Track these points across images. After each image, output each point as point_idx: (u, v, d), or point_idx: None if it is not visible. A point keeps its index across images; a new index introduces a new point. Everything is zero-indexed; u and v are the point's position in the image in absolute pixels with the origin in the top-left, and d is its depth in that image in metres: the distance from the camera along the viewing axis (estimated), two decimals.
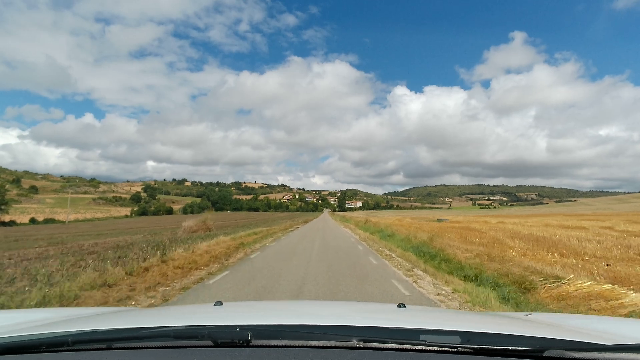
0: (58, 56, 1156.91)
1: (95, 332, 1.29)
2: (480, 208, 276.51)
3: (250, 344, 1.16)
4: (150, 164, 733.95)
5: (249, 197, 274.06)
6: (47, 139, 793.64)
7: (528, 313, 2.49)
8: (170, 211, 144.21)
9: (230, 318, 1.62)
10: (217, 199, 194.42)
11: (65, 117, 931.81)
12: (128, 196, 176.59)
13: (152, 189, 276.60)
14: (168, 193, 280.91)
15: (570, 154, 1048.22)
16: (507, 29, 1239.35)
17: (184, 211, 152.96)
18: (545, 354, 1.08)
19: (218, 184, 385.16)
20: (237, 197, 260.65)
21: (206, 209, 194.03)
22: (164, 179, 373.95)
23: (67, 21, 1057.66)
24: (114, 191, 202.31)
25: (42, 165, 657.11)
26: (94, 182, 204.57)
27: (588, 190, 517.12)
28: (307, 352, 1.13)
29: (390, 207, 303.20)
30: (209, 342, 1.18)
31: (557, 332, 1.37)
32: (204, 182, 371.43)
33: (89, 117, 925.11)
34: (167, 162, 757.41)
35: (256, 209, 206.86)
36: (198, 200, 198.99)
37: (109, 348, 1.19)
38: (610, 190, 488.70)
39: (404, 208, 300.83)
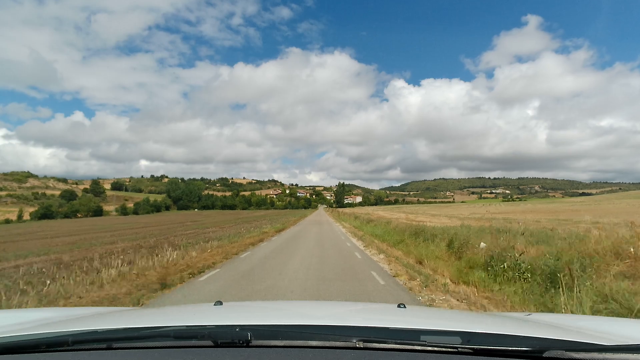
0: (45, 54, 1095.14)
1: (95, 332, 1.28)
2: (503, 201, 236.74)
3: (250, 344, 1.15)
4: (144, 163, 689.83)
5: (228, 193, 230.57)
6: (35, 138, 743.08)
7: (528, 313, 2.49)
8: (99, 212, 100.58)
9: (230, 318, 1.60)
10: (181, 195, 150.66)
11: (53, 116, 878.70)
12: (58, 193, 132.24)
13: (117, 184, 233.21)
14: (140, 190, 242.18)
15: (570, 146, 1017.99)
16: (520, 12, 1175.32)
17: (123, 212, 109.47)
18: (546, 354, 1.08)
19: (202, 179, 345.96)
20: (214, 192, 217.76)
21: (164, 207, 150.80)
22: (142, 176, 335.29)
23: (53, 15, 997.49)
24: (48, 187, 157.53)
25: (32, 166, 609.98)
26: (20, 175, 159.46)
27: (592, 181, 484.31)
28: (307, 352, 1.12)
29: (395, 202, 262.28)
30: (209, 342, 1.17)
31: (558, 333, 1.36)
32: (186, 179, 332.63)
33: (78, 116, 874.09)
34: (160, 160, 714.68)
35: (233, 207, 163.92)
36: (159, 197, 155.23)
37: (109, 348, 1.18)
38: (610, 182, 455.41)
39: (411, 202, 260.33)
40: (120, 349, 1.18)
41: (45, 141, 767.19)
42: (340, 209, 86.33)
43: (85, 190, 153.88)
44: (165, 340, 1.20)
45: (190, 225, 38.52)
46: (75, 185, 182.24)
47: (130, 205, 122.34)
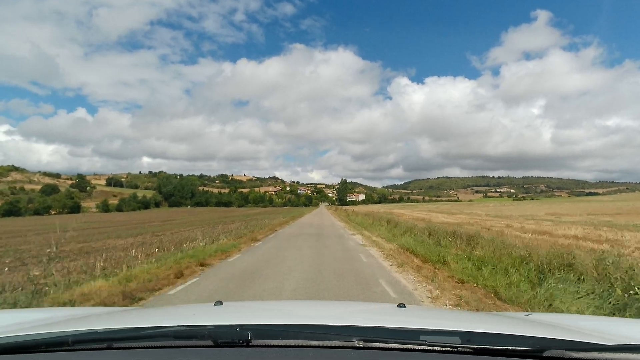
0: (46, 50, 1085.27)
1: (95, 332, 1.27)
2: (514, 199, 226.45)
3: (250, 343, 1.14)
4: (146, 159, 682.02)
5: (226, 190, 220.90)
6: (37, 134, 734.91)
7: (528, 313, 2.47)
8: (76, 209, 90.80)
9: (231, 318, 1.60)
10: (173, 190, 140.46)
11: (56, 112, 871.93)
12: (38, 187, 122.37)
13: (112, 180, 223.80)
14: (137, 187, 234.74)
15: (575, 145, 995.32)
16: (530, 6, 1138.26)
17: (105, 209, 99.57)
18: (546, 354, 1.07)
19: (201, 176, 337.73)
20: (213, 189, 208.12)
21: (153, 204, 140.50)
22: (139, 172, 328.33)
23: (54, 10, 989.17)
24: (31, 181, 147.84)
25: (35, 162, 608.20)
26: (2, 168, 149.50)
27: (598, 181, 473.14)
28: (307, 352, 1.12)
29: (400, 200, 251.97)
30: (209, 342, 1.17)
31: (557, 332, 1.35)
32: (184, 176, 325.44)
33: (80, 112, 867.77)
34: (162, 157, 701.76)
35: (228, 204, 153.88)
36: (149, 193, 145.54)
37: (109, 348, 1.18)
38: (616, 182, 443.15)
39: (416, 201, 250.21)
40: (120, 349, 1.17)
41: (48, 137, 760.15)
42: (346, 207, 75.93)
43: (72, 186, 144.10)
44: (165, 340, 1.20)
45: (150, 226, 28.68)
46: (68, 181, 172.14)
47: (115, 201, 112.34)
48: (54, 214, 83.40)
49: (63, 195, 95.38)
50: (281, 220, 32.24)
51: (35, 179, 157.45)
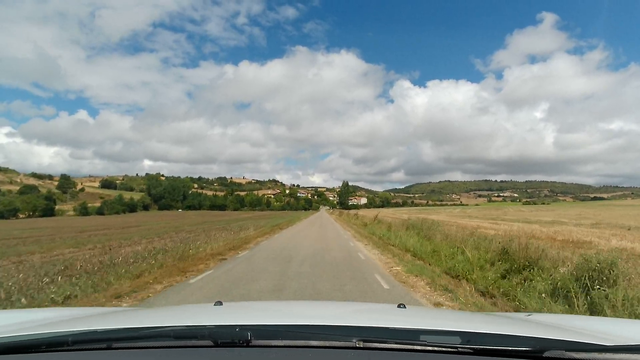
0: (49, 51, 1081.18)
1: (95, 332, 1.27)
2: (524, 204, 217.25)
3: (250, 344, 1.14)
4: (147, 162, 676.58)
5: (221, 193, 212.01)
6: (39, 136, 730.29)
7: (529, 313, 2.51)
8: (50, 211, 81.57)
9: (231, 318, 1.60)
10: (163, 192, 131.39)
11: (57, 114, 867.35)
12: (16, 188, 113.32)
13: (106, 182, 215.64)
14: (132, 189, 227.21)
15: (578, 149, 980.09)
16: (536, 9, 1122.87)
17: (83, 212, 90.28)
18: (546, 354, 1.07)
19: (200, 179, 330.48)
20: (212, 192, 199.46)
21: (141, 206, 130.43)
22: (137, 174, 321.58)
23: (57, 11, 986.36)
24: (13, 182, 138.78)
25: (35, 165, 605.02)
26: None
27: (601, 185, 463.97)
28: (307, 352, 1.12)
29: (404, 204, 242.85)
30: (209, 342, 1.16)
31: (558, 333, 1.35)
32: (183, 177, 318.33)
33: (82, 115, 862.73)
34: (163, 160, 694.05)
35: (223, 207, 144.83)
36: (137, 195, 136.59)
37: (109, 348, 1.18)
38: (620, 186, 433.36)
39: (420, 205, 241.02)
40: (120, 349, 1.17)
41: (49, 139, 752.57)
42: (356, 212, 66.44)
43: (57, 187, 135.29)
44: (165, 340, 1.19)
45: (90, 235, 19.68)
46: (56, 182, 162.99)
47: (97, 204, 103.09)
48: (23, 217, 74.35)
49: (34, 197, 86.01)
50: (252, 233, 19.88)
51: (19, 180, 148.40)
